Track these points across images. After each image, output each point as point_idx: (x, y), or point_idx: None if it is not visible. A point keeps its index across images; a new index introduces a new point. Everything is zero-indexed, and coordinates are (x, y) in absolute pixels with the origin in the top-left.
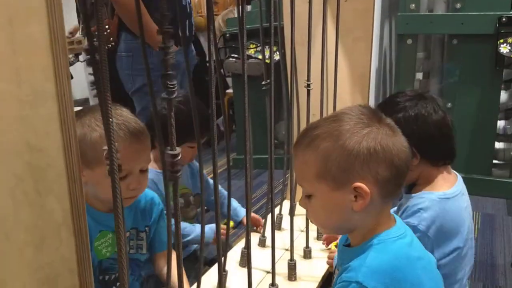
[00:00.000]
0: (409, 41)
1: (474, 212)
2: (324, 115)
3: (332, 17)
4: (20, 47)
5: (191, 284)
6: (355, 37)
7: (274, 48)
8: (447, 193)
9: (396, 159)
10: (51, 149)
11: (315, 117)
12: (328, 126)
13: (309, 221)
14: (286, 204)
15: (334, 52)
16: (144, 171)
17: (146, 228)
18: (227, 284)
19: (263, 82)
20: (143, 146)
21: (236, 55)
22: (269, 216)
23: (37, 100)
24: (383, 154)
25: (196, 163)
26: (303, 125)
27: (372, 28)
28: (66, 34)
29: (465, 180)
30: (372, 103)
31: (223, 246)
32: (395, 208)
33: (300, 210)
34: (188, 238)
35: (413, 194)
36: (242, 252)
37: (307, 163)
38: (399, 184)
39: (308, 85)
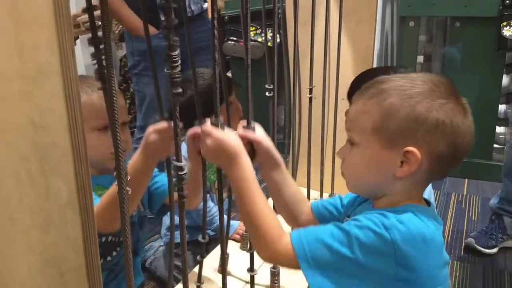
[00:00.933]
0: (411, 24)
1: (475, 196)
2: (327, 97)
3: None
4: (23, 21)
5: (192, 267)
6: (358, 19)
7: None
8: None
9: (459, 140)
10: (56, 127)
11: (317, 100)
12: (400, 83)
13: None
14: None
15: (338, 34)
16: (125, 124)
17: None
18: (228, 267)
19: (268, 88)
20: (119, 100)
21: (234, 38)
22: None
23: (41, 76)
24: (450, 130)
25: None
26: (305, 110)
27: (376, 10)
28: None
29: (466, 164)
30: None
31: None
32: None
33: None
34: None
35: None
36: (244, 236)
37: (366, 113)
38: (451, 166)
39: (311, 89)
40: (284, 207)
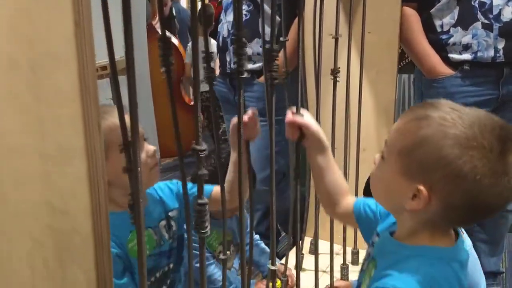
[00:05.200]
0: None
1: None
2: (348, 149)
3: (356, 49)
4: (44, 97)
5: None
6: (379, 69)
7: None
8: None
9: (480, 199)
10: (77, 212)
11: (338, 150)
12: (445, 115)
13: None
14: (307, 240)
15: (358, 85)
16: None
17: (170, 213)
18: None
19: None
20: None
21: None
22: (291, 254)
23: (62, 157)
24: (471, 187)
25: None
26: None
27: (397, 60)
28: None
29: None
30: None
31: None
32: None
33: (323, 249)
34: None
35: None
36: None
37: (401, 134)
38: (473, 219)
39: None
40: (324, 193)
